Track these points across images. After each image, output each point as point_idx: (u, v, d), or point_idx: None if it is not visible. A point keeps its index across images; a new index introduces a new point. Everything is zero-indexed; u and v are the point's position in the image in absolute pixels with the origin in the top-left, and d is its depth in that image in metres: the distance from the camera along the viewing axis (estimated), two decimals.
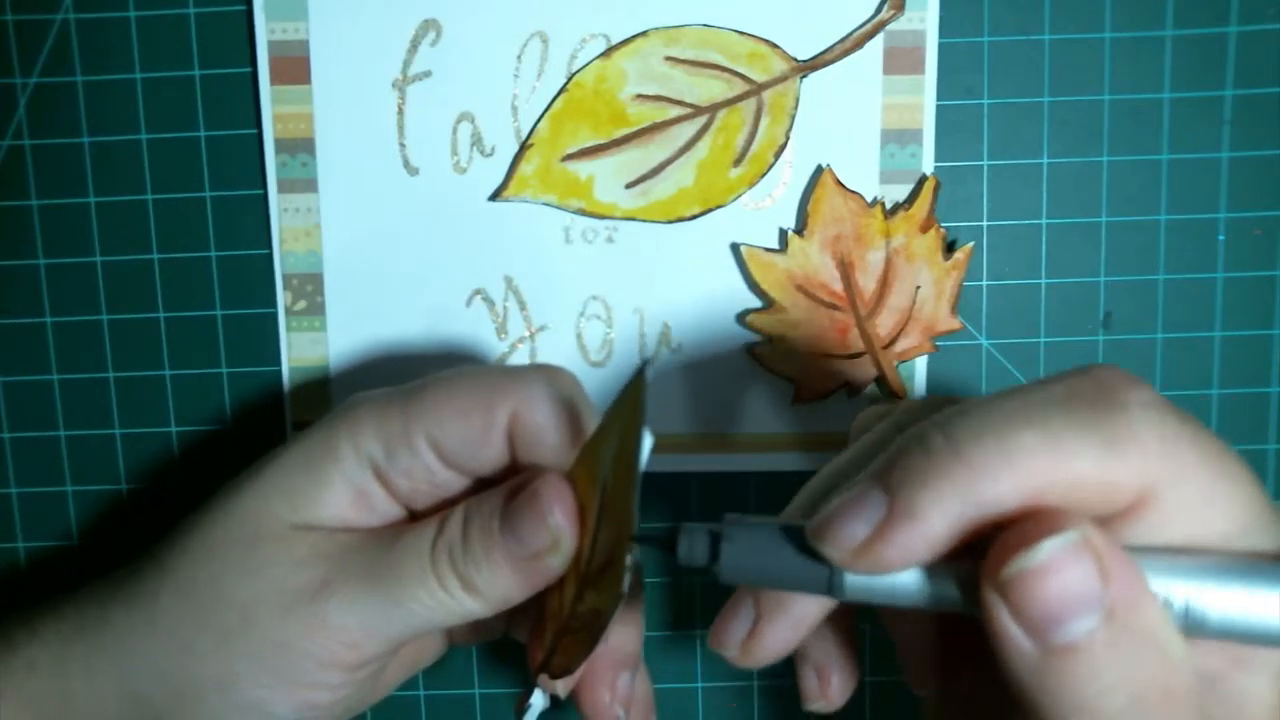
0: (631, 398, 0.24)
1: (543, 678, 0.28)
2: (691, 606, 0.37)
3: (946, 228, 0.34)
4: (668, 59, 0.33)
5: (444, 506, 0.28)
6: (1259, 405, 0.35)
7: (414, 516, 0.29)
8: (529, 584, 0.26)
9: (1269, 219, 0.35)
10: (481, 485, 0.28)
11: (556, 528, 0.26)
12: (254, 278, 0.35)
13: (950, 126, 0.34)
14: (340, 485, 0.27)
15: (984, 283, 0.35)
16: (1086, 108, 0.34)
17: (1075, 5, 0.34)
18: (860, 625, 0.36)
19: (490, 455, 0.27)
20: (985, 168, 0.34)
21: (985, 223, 0.35)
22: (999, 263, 0.35)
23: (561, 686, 0.29)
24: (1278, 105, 0.34)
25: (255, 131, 0.34)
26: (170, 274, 0.35)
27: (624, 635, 0.29)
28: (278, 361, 0.35)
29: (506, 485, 0.27)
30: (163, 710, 0.27)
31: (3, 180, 0.35)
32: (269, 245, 0.35)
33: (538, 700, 0.29)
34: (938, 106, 0.34)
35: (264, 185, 0.35)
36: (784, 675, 0.37)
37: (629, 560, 0.24)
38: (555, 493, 0.26)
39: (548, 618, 0.28)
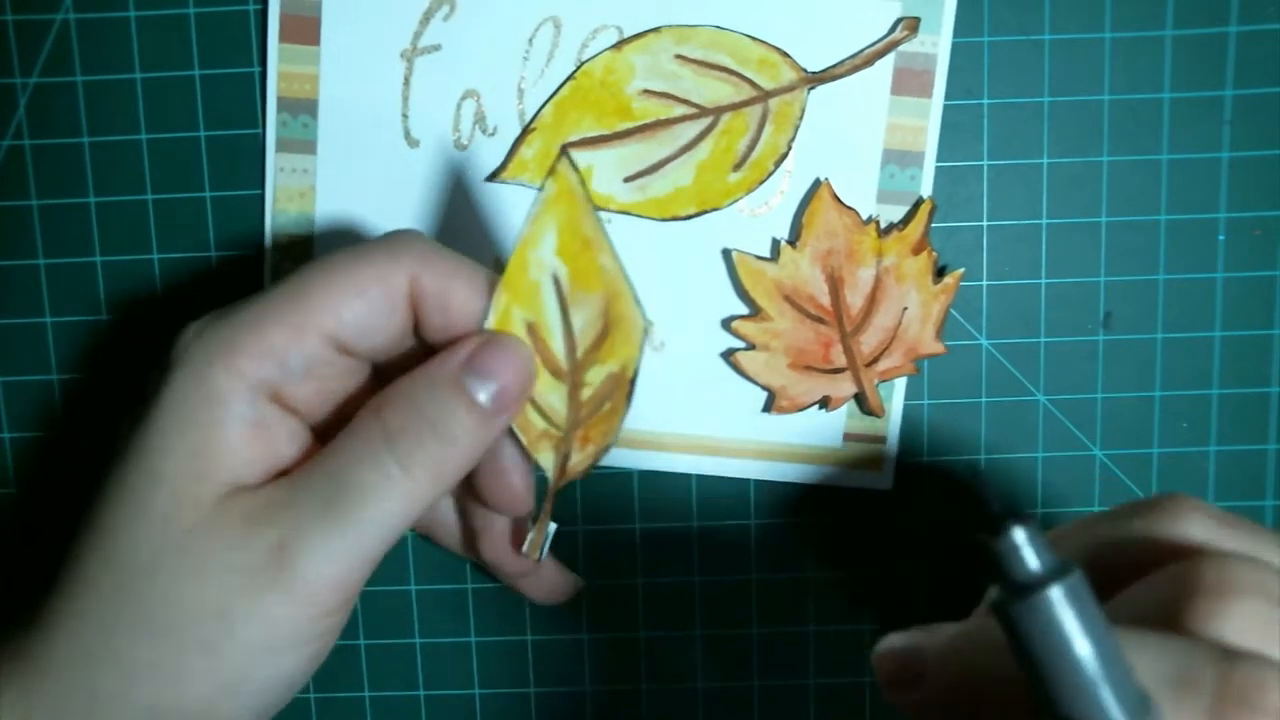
0: (562, 187, 0.26)
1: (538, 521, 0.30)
2: (692, 607, 0.37)
3: (946, 227, 0.34)
4: (678, 57, 0.34)
5: (345, 408, 0.27)
6: (1259, 405, 0.35)
7: (314, 430, 0.28)
8: (495, 432, 0.27)
9: (1269, 219, 0.35)
10: (376, 378, 0.28)
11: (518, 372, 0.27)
12: (254, 278, 0.35)
13: (950, 126, 0.34)
14: (235, 428, 0.25)
15: (984, 283, 0.35)
16: (1086, 108, 0.34)
17: (1075, 5, 0.34)
18: (862, 625, 0.36)
19: (395, 328, 0.27)
20: (985, 168, 0.34)
21: (985, 223, 0.35)
22: (999, 263, 0.35)
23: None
24: (1278, 105, 0.34)
25: (257, 132, 0.34)
26: (171, 274, 0.35)
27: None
28: None
29: (441, 358, 0.27)
30: None
31: (3, 180, 0.35)
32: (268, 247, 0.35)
33: (551, 528, 0.31)
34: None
35: (262, 145, 0.35)
36: (784, 675, 0.37)
37: (639, 308, 0.27)
38: (502, 337, 0.27)
39: (531, 444, 0.29)
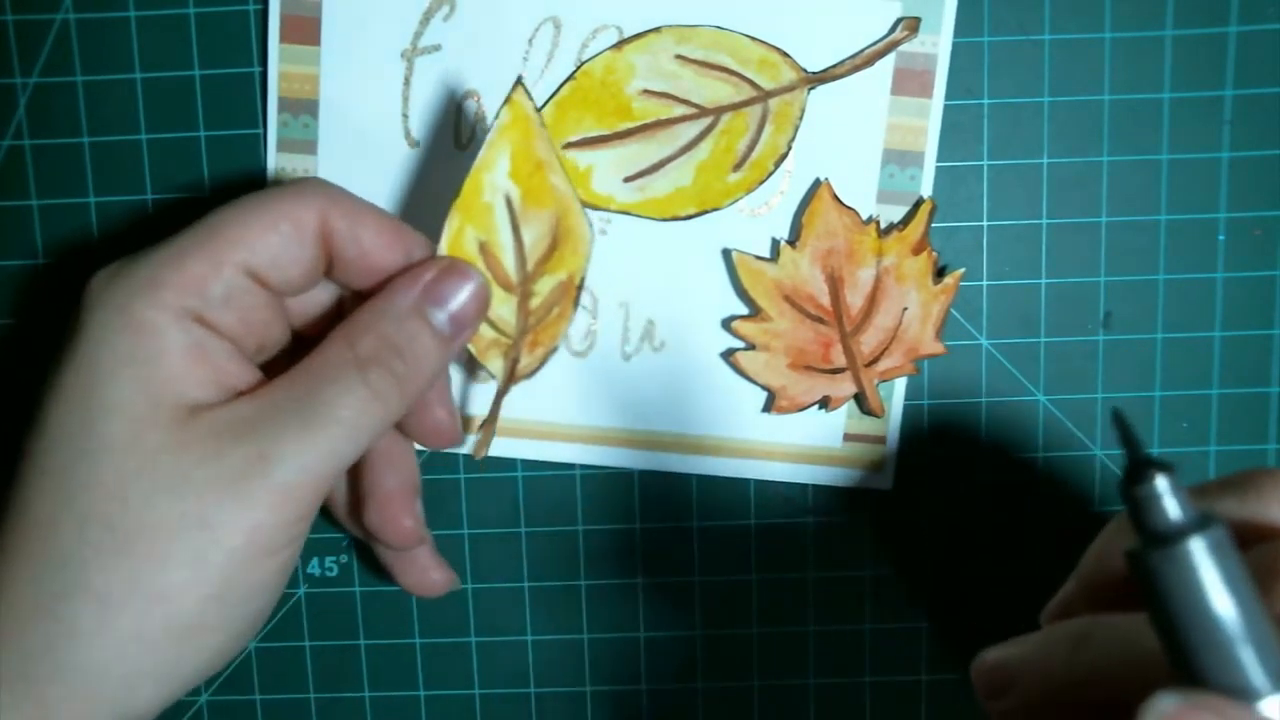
0: (517, 114, 0.29)
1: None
2: (692, 607, 0.37)
3: (946, 227, 0.34)
4: (678, 57, 0.33)
5: (272, 345, 0.29)
6: (1259, 405, 0.35)
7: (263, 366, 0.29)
8: (454, 352, 0.29)
9: (1269, 219, 0.35)
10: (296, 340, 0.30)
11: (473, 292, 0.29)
12: None
13: (950, 126, 0.34)
14: (175, 353, 0.26)
15: (984, 283, 0.35)
16: (1086, 108, 0.34)
17: (1075, 5, 0.34)
18: (862, 625, 0.36)
19: (307, 262, 0.28)
20: (985, 168, 0.34)
21: (985, 223, 0.35)
22: (999, 263, 0.35)
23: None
24: (1278, 105, 0.34)
25: (257, 132, 0.34)
26: None
27: (412, 464, 0.32)
28: None
29: (403, 286, 0.28)
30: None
31: (3, 180, 0.35)
32: None
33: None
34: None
35: (263, 145, 0.35)
36: (785, 675, 0.37)
37: (587, 220, 0.30)
38: (454, 261, 0.29)
39: (480, 353, 0.31)
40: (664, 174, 0.34)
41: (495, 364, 0.32)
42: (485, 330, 0.31)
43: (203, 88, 0.34)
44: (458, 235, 0.30)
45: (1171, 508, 0.18)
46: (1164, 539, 0.18)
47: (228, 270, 0.27)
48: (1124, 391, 0.35)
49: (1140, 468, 0.18)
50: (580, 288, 0.31)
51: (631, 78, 0.34)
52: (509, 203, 0.30)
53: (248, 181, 0.35)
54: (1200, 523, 0.18)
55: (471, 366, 0.34)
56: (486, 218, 0.30)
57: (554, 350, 0.32)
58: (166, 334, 0.26)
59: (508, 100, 0.29)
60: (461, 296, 0.29)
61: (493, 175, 0.30)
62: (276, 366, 0.29)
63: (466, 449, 0.35)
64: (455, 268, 0.29)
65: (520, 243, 0.30)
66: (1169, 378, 0.35)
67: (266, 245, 0.27)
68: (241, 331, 0.28)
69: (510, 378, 0.32)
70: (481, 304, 0.29)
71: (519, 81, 0.29)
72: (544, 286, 0.31)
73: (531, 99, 0.29)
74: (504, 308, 0.31)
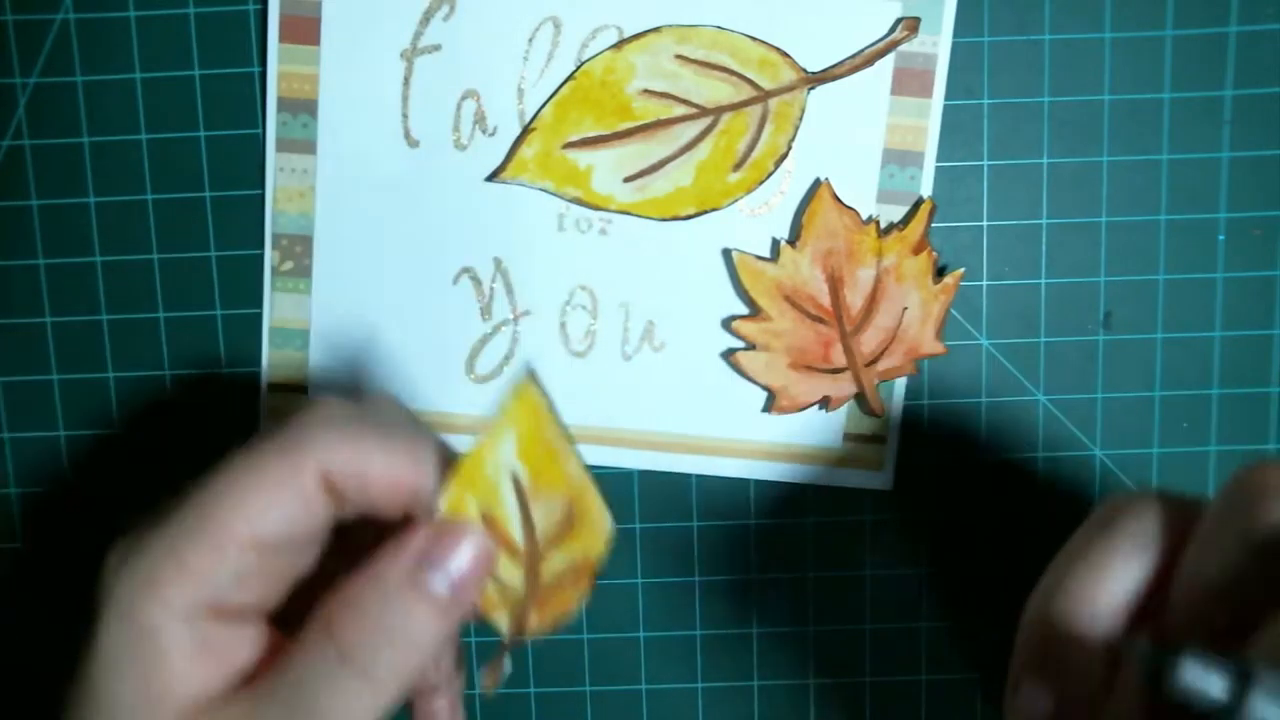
0: (524, 399, 0.25)
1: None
2: (692, 607, 0.37)
3: (946, 227, 0.34)
4: (678, 57, 0.34)
5: (307, 580, 0.27)
6: (1259, 405, 0.35)
7: (280, 616, 0.27)
8: (457, 620, 0.26)
9: (1269, 219, 0.34)
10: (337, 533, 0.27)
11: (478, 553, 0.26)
12: (253, 278, 0.35)
13: (950, 126, 0.34)
14: (177, 658, 0.25)
15: (984, 283, 0.35)
16: (1086, 108, 0.34)
17: (1075, 5, 0.34)
18: (861, 625, 0.36)
19: (318, 517, 0.26)
20: (985, 168, 0.34)
21: (985, 223, 0.35)
22: (999, 263, 0.35)
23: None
24: (1278, 105, 0.34)
25: (257, 132, 0.34)
26: (170, 274, 0.35)
27: (444, 658, 0.30)
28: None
29: (390, 558, 0.25)
30: None
31: (3, 180, 0.35)
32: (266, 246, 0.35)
33: (508, 666, 0.30)
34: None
35: (262, 145, 0.35)
36: (785, 675, 0.37)
37: (599, 502, 0.27)
38: (451, 524, 0.26)
39: (486, 608, 0.28)
40: (664, 174, 0.34)
41: (501, 618, 0.28)
42: (491, 590, 0.28)
43: (203, 88, 0.34)
44: (458, 500, 0.26)
45: (1214, 685, 0.18)
46: (1227, 713, 0.18)
47: (230, 553, 0.25)
48: (1124, 391, 0.35)
49: (1162, 664, 0.19)
50: (598, 569, 0.27)
51: (631, 78, 0.34)
52: (516, 481, 0.26)
53: (248, 182, 0.35)
54: (1243, 677, 0.18)
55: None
56: (491, 491, 0.26)
57: (566, 619, 0.28)
58: (168, 635, 0.25)
59: (516, 391, 0.25)
60: (462, 556, 0.26)
61: (497, 455, 0.26)
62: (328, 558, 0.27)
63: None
64: (450, 529, 0.26)
65: (529, 518, 0.27)
66: (1169, 378, 0.35)
67: (267, 520, 0.25)
68: (262, 593, 0.26)
69: (518, 632, 0.28)
70: (485, 563, 0.26)
71: (530, 371, 0.26)
72: (557, 563, 0.27)
73: (541, 388, 0.26)
74: (511, 574, 0.27)
